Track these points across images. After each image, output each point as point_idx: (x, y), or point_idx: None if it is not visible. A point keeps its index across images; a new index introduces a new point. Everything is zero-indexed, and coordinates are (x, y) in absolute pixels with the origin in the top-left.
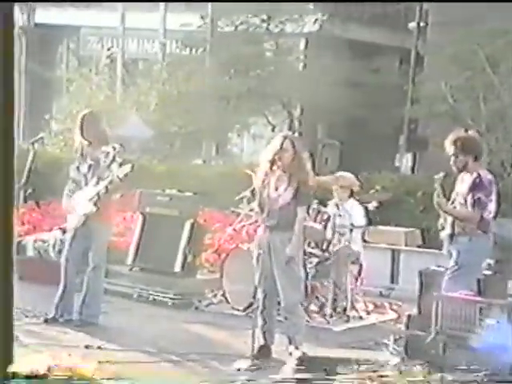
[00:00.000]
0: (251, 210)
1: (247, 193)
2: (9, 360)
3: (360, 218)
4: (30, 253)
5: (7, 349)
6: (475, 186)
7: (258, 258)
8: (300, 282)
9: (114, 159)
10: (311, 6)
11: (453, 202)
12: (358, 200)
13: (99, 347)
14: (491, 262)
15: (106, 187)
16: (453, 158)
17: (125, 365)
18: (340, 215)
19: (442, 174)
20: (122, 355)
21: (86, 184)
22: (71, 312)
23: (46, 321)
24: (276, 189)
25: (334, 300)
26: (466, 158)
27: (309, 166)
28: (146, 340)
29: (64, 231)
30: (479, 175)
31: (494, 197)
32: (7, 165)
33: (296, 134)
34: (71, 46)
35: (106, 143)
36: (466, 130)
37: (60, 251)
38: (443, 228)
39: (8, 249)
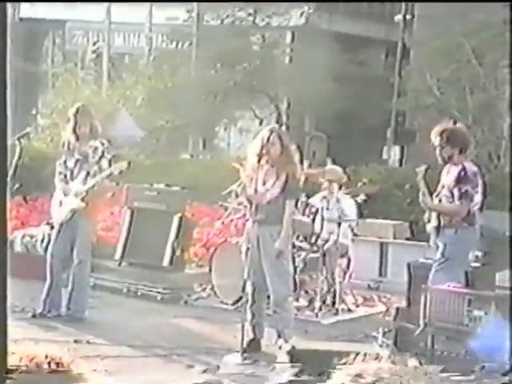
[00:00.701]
0: (239, 204)
1: (235, 187)
2: (3, 356)
3: (351, 212)
4: (18, 248)
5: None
6: (461, 179)
7: (247, 252)
8: (289, 275)
9: (103, 155)
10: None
11: (438, 194)
12: (346, 193)
13: (88, 342)
14: (479, 254)
15: (97, 183)
16: (438, 149)
17: (114, 359)
18: (328, 208)
19: (423, 167)
20: (111, 350)
21: (72, 179)
22: (59, 307)
23: (34, 316)
24: (264, 183)
25: (323, 293)
26: (452, 149)
27: (297, 159)
28: (135, 335)
29: (52, 226)
30: (464, 168)
31: (479, 189)
32: None
33: (283, 128)
34: (57, 41)
35: (96, 137)
36: (455, 122)
37: (48, 246)
38: (429, 221)
39: (1, 246)
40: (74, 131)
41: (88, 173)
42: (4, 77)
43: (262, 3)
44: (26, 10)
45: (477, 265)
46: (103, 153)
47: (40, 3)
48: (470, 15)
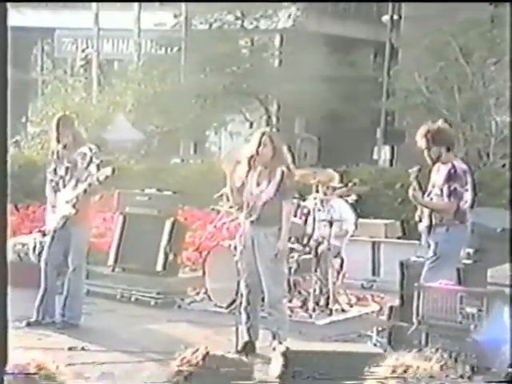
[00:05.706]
0: (231, 207)
1: (226, 190)
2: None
3: (347, 213)
4: (10, 256)
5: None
6: (450, 177)
7: (242, 254)
8: (284, 276)
9: (91, 160)
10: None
11: (429, 194)
12: (338, 194)
13: (83, 348)
14: (470, 251)
15: (85, 189)
16: (426, 151)
17: (109, 365)
18: (319, 210)
19: (416, 168)
20: (106, 356)
21: (64, 186)
22: (53, 314)
23: (28, 324)
24: (258, 184)
25: (317, 294)
26: (439, 149)
27: (290, 160)
28: (130, 340)
29: (44, 234)
30: (454, 166)
31: (469, 186)
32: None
33: (274, 130)
34: (46, 48)
35: (82, 145)
36: (434, 122)
37: (40, 254)
38: (421, 219)
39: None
40: (58, 141)
41: (78, 179)
42: (5, 78)
43: (249, 6)
44: (14, 18)
45: (468, 262)
46: (91, 158)
47: (29, 11)
48: (456, 14)
